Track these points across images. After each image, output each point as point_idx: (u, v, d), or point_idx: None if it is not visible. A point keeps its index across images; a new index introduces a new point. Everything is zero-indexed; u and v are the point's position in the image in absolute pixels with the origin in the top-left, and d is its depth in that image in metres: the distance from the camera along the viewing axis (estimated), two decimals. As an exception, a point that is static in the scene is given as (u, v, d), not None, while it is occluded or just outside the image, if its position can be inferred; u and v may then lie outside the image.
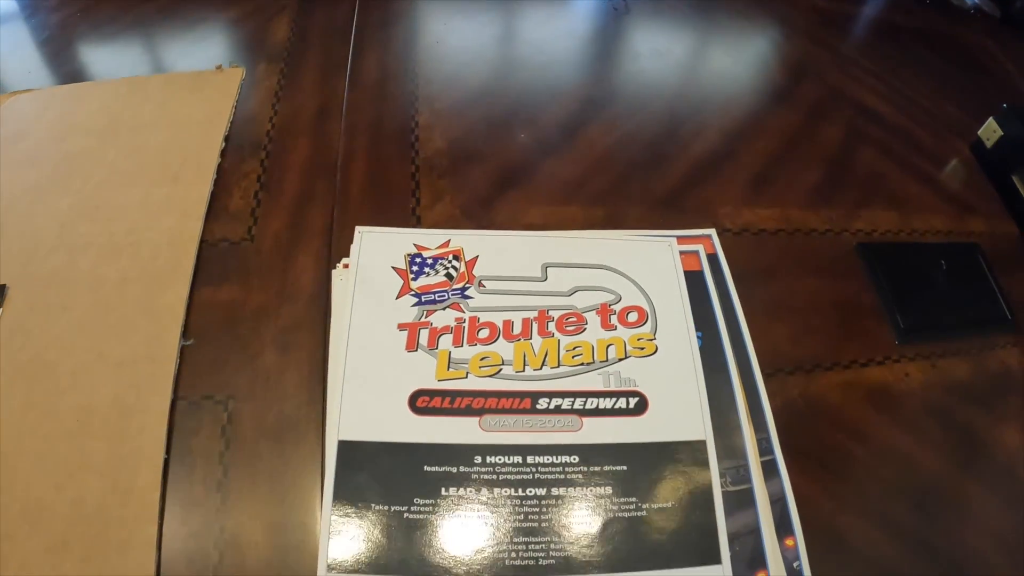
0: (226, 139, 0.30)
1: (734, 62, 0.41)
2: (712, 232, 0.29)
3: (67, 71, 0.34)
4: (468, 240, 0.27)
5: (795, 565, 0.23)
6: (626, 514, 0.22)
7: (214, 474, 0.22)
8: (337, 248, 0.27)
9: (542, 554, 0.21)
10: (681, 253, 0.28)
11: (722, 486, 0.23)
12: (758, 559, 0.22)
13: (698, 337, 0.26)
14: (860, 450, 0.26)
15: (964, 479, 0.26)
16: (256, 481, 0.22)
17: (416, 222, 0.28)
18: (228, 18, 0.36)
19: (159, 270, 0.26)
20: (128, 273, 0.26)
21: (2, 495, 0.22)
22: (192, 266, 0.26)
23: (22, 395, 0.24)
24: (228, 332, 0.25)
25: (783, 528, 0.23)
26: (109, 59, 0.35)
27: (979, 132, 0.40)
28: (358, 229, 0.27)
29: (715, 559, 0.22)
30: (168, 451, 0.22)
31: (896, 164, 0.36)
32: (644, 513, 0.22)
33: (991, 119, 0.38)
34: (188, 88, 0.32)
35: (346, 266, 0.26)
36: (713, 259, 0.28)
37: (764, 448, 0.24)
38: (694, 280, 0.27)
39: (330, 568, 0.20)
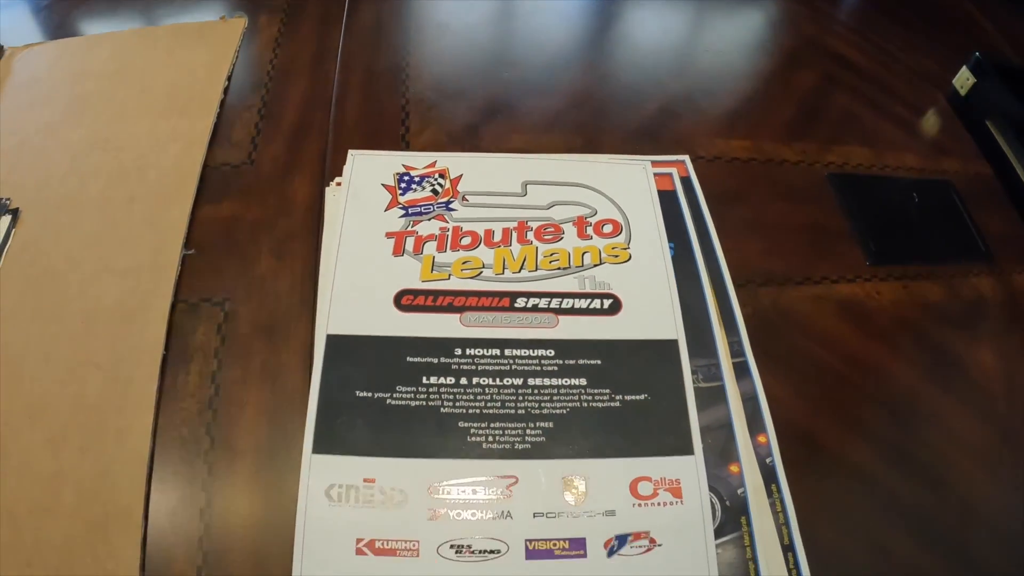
0: (229, 79, 0.33)
1: (713, 13, 0.43)
2: (686, 158, 0.31)
3: (73, 30, 0.37)
4: (453, 161, 0.29)
5: (767, 461, 0.24)
6: (600, 404, 0.24)
7: (209, 367, 0.24)
8: (331, 171, 0.29)
9: (518, 439, 0.23)
10: (655, 175, 0.30)
11: (694, 382, 0.25)
12: (730, 452, 0.24)
13: (671, 247, 0.28)
14: (832, 358, 0.27)
15: (939, 393, 0.27)
16: (248, 373, 0.24)
17: (405, 147, 0.31)
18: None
19: (164, 190, 0.28)
20: (135, 194, 0.28)
21: (7, 393, 0.24)
22: (195, 186, 0.28)
23: (31, 304, 0.26)
24: (227, 243, 0.27)
25: (755, 425, 0.25)
26: (114, 18, 0.38)
27: (953, 81, 0.42)
28: (351, 152, 0.29)
29: (688, 450, 0.23)
30: (167, 348, 0.24)
31: (870, 108, 0.38)
32: (618, 404, 0.24)
33: (964, 68, 0.41)
34: (194, 36, 0.35)
35: (339, 184, 0.28)
36: (686, 181, 0.30)
37: (736, 351, 0.26)
38: (667, 199, 0.29)
39: (315, 450, 0.22)
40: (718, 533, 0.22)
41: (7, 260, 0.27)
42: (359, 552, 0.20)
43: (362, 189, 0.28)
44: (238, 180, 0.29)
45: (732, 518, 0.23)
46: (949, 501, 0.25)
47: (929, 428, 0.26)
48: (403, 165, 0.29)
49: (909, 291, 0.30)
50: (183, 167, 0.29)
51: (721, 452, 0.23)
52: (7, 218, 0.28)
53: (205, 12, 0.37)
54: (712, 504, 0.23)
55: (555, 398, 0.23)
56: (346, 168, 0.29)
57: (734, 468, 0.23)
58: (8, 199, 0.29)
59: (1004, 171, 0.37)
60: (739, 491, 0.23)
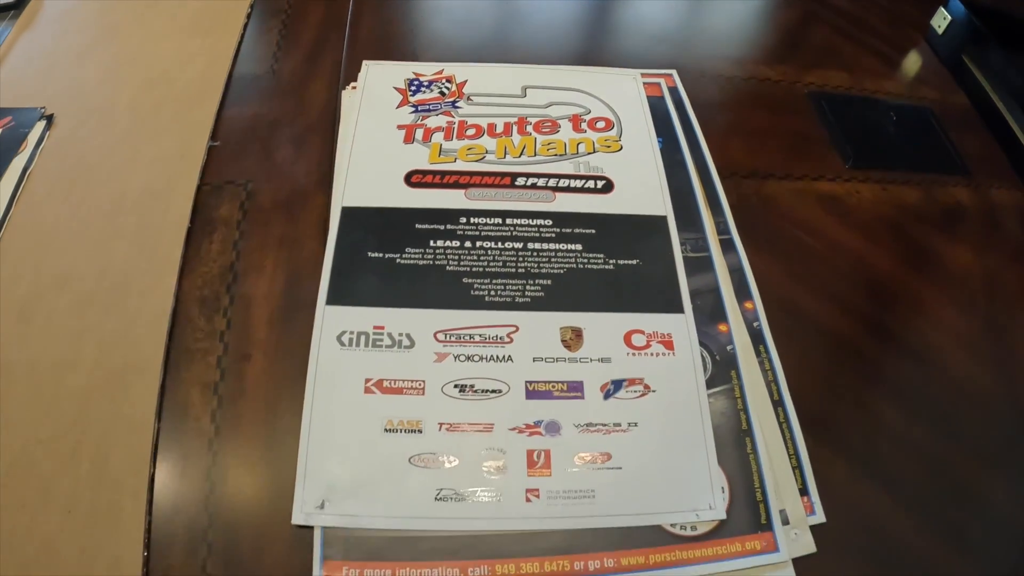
0: (252, 6, 0.36)
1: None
2: (673, 72, 0.35)
3: None
4: (459, 69, 0.33)
5: (755, 325, 0.26)
6: (595, 266, 0.26)
7: (231, 236, 0.27)
8: (346, 79, 0.32)
9: (518, 293, 0.25)
10: (644, 84, 0.33)
11: (683, 252, 0.27)
12: (718, 313, 0.26)
13: (659, 141, 0.31)
14: (813, 242, 0.30)
15: (919, 281, 0.29)
16: (267, 240, 0.27)
17: (415, 58, 0.34)
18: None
19: (192, 95, 0.32)
20: (164, 99, 0.32)
21: (35, 263, 0.26)
22: (220, 92, 0.31)
23: (63, 190, 0.29)
24: (250, 136, 0.30)
25: (742, 293, 0.27)
26: None
27: (931, 21, 0.46)
28: (365, 62, 0.33)
29: (678, 308, 0.25)
30: (193, 222, 0.26)
31: (850, 41, 0.41)
32: (611, 267, 0.26)
33: (941, 8, 0.44)
34: None
35: (354, 88, 0.32)
36: (674, 91, 0.33)
37: (722, 229, 0.29)
38: (656, 104, 0.32)
39: (328, 301, 0.24)
40: (709, 384, 0.24)
41: (42, 158, 0.30)
42: (367, 391, 0.22)
43: (375, 91, 0.31)
44: (260, 87, 0.32)
45: (722, 371, 0.24)
46: (932, 375, 0.26)
47: (910, 310, 0.28)
48: (413, 72, 0.32)
49: (888, 192, 0.33)
50: (209, 77, 0.33)
51: (710, 313, 0.26)
52: (42, 123, 0.32)
53: None
54: (703, 357, 0.25)
55: (553, 260, 0.26)
56: (361, 74, 0.32)
57: (722, 327, 0.25)
58: (43, 108, 0.33)
59: (980, 101, 0.40)
60: (728, 347, 0.25)
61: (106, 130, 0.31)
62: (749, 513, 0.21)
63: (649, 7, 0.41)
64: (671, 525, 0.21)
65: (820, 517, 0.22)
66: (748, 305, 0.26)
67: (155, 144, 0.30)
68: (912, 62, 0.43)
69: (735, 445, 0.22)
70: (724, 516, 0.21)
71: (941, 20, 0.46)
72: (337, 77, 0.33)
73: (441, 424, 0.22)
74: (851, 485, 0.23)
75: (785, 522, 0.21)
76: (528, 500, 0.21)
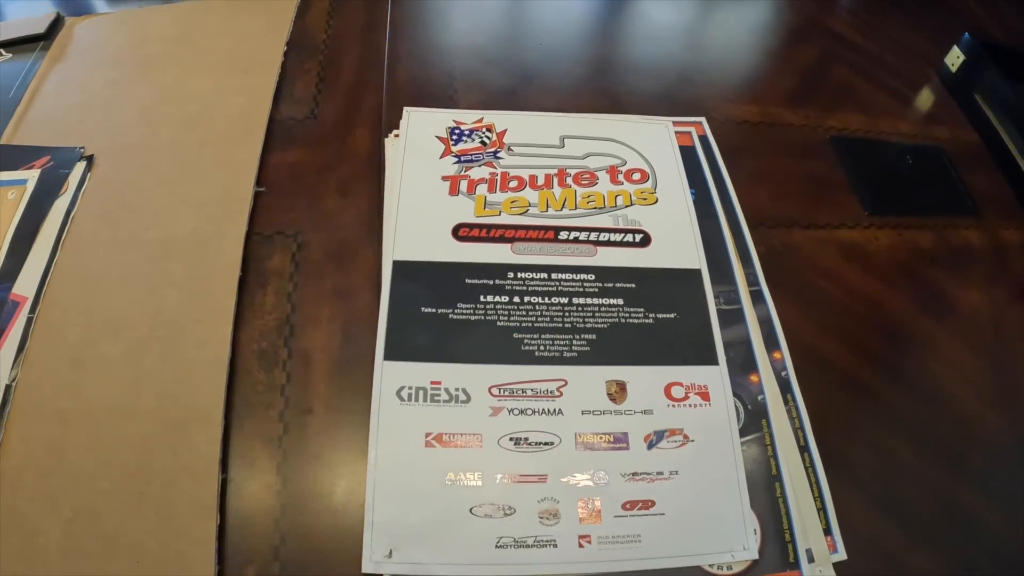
0: (288, 44, 0.37)
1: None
2: (703, 119, 0.37)
3: (128, 6, 0.41)
4: (498, 117, 0.34)
5: (783, 374, 0.29)
6: (636, 320, 0.28)
7: (285, 288, 0.28)
8: (387, 125, 0.34)
9: (566, 348, 0.27)
10: (676, 133, 0.35)
11: (716, 305, 0.29)
12: (750, 364, 0.28)
13: (692, 193, 0.33)
14: (836, 290, 0.32)
15: (931, 323, 0.32)
16: (321, 293, 0.28)
17: (454, 107, 0.36)
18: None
19: (233, 136, 0.33)
20: (205, 138, 0.33)
21: (86, 310, 0.27)
22: (263, 131, 0.32)
23: (108, 233, 0.30)
24: (295, 183, 0.31)
25: (770, 344, 0.30)
26: None
27: (945, 59, 0.48)
28: (406, 109, 0.34)
29: (713, 360, 0.28)
30: (245, 271, 0.27)
31: (867, 80, 0.44)
32: (651, 321, 0.28)
33: (955, 47, 0.47)
34: (251, 6, 0.40)
35: (396, 136, 0.33)
36: (703, 139, 0.36)
37: (751, 280, 0.31)
38: (687, 153, 0.35)
39: (386, 357, 0.26)
40: (742, 432, 0.27)
41: (84, 200, 0.31)
42: (428, 444, 0.25)
43: (418, 140, 0.33)
44: (303, 132, 0.33)
45: (754, 420, 0.27)
46: (941, 415, 0.29)
47: (924, 353, 0.32)
48: (454, 120, 0.34)
49: (904, 238, 0.36)
50: (250, 117, 0.34)
51: (742, 364, 0.28)
52: (82, 164, 0.32)
53: None
54: (736, 407, 0.27)
55: (596, 315, 0.28)
56: (403, 122, 0.34)
57: (754, 378, 0.28)
58: (82, 147, 0.33)
59: (991, 139, 0.43)
60: (759, 397, 0.28)
61: (148, 171, 0.32)
62: (779, 552, 0.24)
63: (673, 48, 0.43)
64: (709, 565, 0.23)
65: (842, 555, 0.25)
66: (776, 355, 0.29)
67: (199, 187, 0.31)
68: (925, 100, 0.46)
69: (766, 489, 0.25)
70: (757, 556, 0.24)
71: (954, 59, 0.48)
72: (378, 122, 0.34)
73: (499, 476, 0.24)
74: (869, 523, 0.26)
75: (811, 560, 0.24)
76: (581, 546, 0.23)
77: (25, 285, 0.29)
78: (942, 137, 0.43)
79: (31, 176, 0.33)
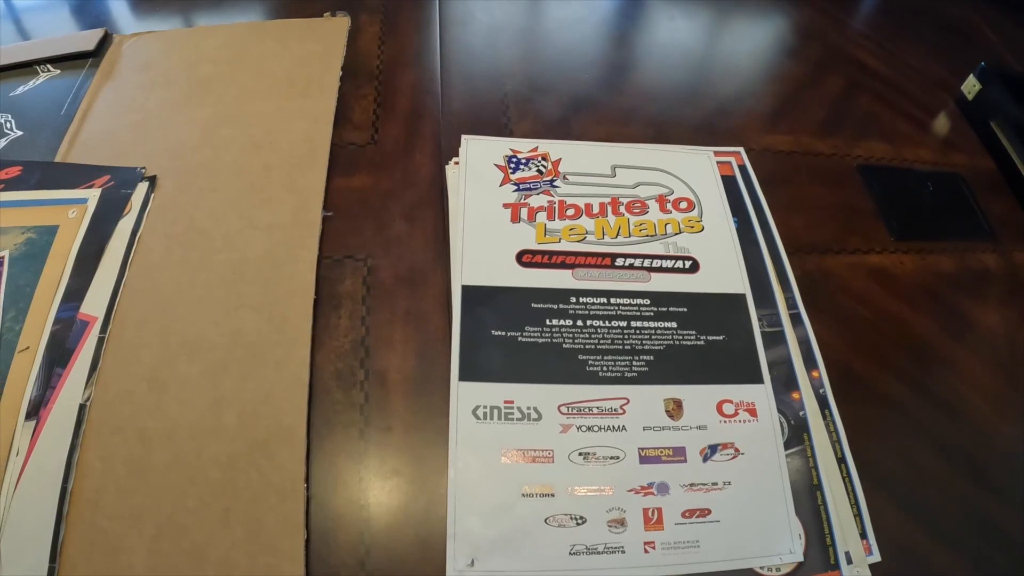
0: (343, 69, 0.40)
1: (752, 24, 0.54)
2: (741, 149, 0.40)
3: (177, 23, 0.43)
4: (552, 147, 0.37)
5: (820, 391, 0.32)
6: (688, 342, 0.32)
7: (359, 311, 0.31)
8: (446, 152, 0.37)
9: (627, 368, 0.30)
10: (718, 163, 0.39)
11: (760, 327, 0.33)
12: (792, 382, 0.32)
13: (734, 221, 0.36)
14: (866, 311, 0.36)
15: (952, 342, 0.36)
16: (394, 316, 0.31)
17: (508, 134, 0.38)
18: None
19: (298, 160, 0.35)
20: (270, 162, 0.35)
21: (163, 332, 0.28)
22: (327, 155, 0.34)
23: (179, 255, 0.31)
24: (363, 208, 0.34)
25: (809, 363, 0.33)
26: (219, 14, 0.44)
27: (962, 87, 0.52)
28: (464, 137, 0.37)
29: (759, 379, 0.31)
30: (318, 296, 0.30)
31: (889, 109, 0.48)
32: (703, 342, 0.32)
33: (971, 76, 0.51)
34: (303, 30, 0.42)
35: (456, 163, 0.36)
36: (743, 168, 0.39)
37: (790, 304, 0.35)
38: (728, 182, 0.38)
39: (461, 378, 0.29)
40: (786, 446, 0.30)
41: (149, 220, 0.33)
42: (504, 460, 0.27)
43: (478, 168, 0.36)
44: (365, 157, 0.36)
45: (796, 434, 0.31)
46: (963, 428, 0.33)
47: (946, 370, 0.35)
48: (510, 149, 0.37)
49: (927, 262, 0.39)
50: (313, 140, 0.36)
51: (785, 382, 0.32)
52: (144, 184, 0.34)
53: (301, 11, 0.43)
54: (780, 423, 0.31)
55: (653, 337, 0.31)
56: (462, 150, 0.36)
57: (795, 395, 0.31)
58: (143, 168, 0.35)
59: (1006, 166, 0.47)
60: (800, 413, 0.31)
61: (214, 194, 0.34)
62: (821, 555, 0.27)
63: (711, 78, 0.46)
64: (760, 567, 0.27)
65: (876, 556, 0.28)
66: (815, 374, 0.32)
67: (268, 211, 0.33)
68: (944, 128, 0.50)
69: (808, 497, 0.28)
70: (802, 559, 0.27)
71: (971, 87, 0.52)
72: (437, 148, 0.37)
73: (570, 488, 0.27)
74: (900, 528, 0.29)
75: (849, 562, 0.27)
76: (646, 551, 0.26)
77: (93, 305, 0.30)
78: (960, 164, 0.47)
79: (92, 195, 0.35)
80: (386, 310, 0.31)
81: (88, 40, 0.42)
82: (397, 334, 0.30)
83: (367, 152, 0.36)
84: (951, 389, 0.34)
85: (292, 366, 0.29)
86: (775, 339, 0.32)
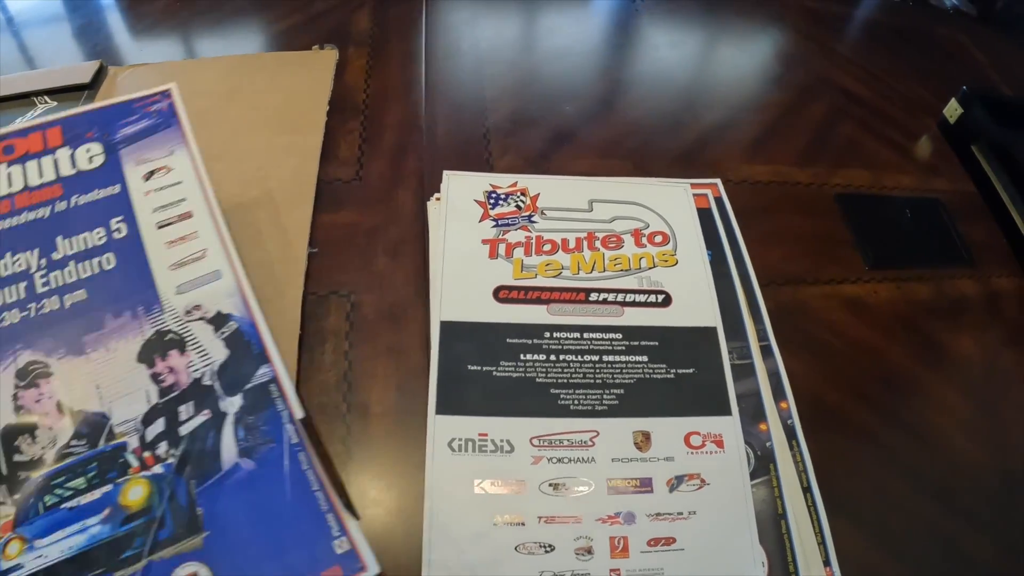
0: (330, 103, 0.42)
1: (737, 52, 0.55)
2: (718, 181, 0.42)
3: (171, 54, 0.46)
4: (532, 182, 0.40)
5: (788, 422, 0.34)
6: (659, 376, 0.34)
7: (342, 346, 0.34)
8: (429, 187, 0.39)
9: (597, 401, 0.33)
10: (694, 195, 0.41)
11: (730, 360, 0.35)
12: (759, 414, 0.34)
13: (708, 254, 0.38)
14: (839, 343, 0.38)
15: (927, 371, 0.38)
16: (376, 351, 0.34)
17: (490, 169, 0.41)
18: (315, 11, 0.49)
19: (285, 197, 0.37)
20: (259, 199, 0.38)
21: None
22: (313, 193, 0.37)
23: None
24: (347, 245, 0.36)
25: (778, 394, 0.35)
26: (209, 44, 0.47)
27: (944, 111, 0.54)
28: (446, 173, 0.39)
29: (727, 411, 0.33)
30: (303, 330, 0.32)
31: (871, 135, 0.49)
32: (672, 376, 0.34)
33: (953, 99, 0.53)
34: (293, 63, 0.45)
35: (438, 199, 0.38)
36: (719, 201, 0.41)
37: (762, 336, 0.37)
38: (704, 215, 0.40)
39: (438, 411, 0.31)
40: (752, 476, 0.32)
41: None
42: (477, 490, 0.30)
43: (458, 203, 0.38)
44: (350, 193, 0.38)
45: (762, 465, 0.33)
46: (935, 456, 0.35)
47: (919, 399, 0.37)
48: (490, 184, 0.39)
49: (902, 291, 0.41)
50: (300, 177, 0.38)
51: (752, 414, 0.34)
52: None
53: (293, 44, 0.46)
54: (747, 454, 0.33)
55: (624, 370, 0.34)
56: (443, 185, 0.39)
57: (763, 426, 0.34)
58: None
59: (987, 190, 0.49)
60: (767, 444, 0.33)
61: None
62: None
63: (694, 109, 0.48)
64: None
65: None
66: (783, 405, 0.34)
67: (258, 248, 0.36)
68: (925, 153, 0.52)
69: (772, 527, 0.30)
70: None
71: (953, 111, 0.54)
72: (420, 184, 0.39)
73: (540, 517, 0.29)
74: (866, 555, 0.31)
75: None
76: (612, 579, 0.28)
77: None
78: (941, 189, 0.49)
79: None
80: (368, 345, 0.33)
81: (84, 73, 0.45)
82: (379, 368, 0.33)
83: (352, 188, 0.39)
84: (923, 418, 0.36)
85: None
86: (745, 371, 0.34)
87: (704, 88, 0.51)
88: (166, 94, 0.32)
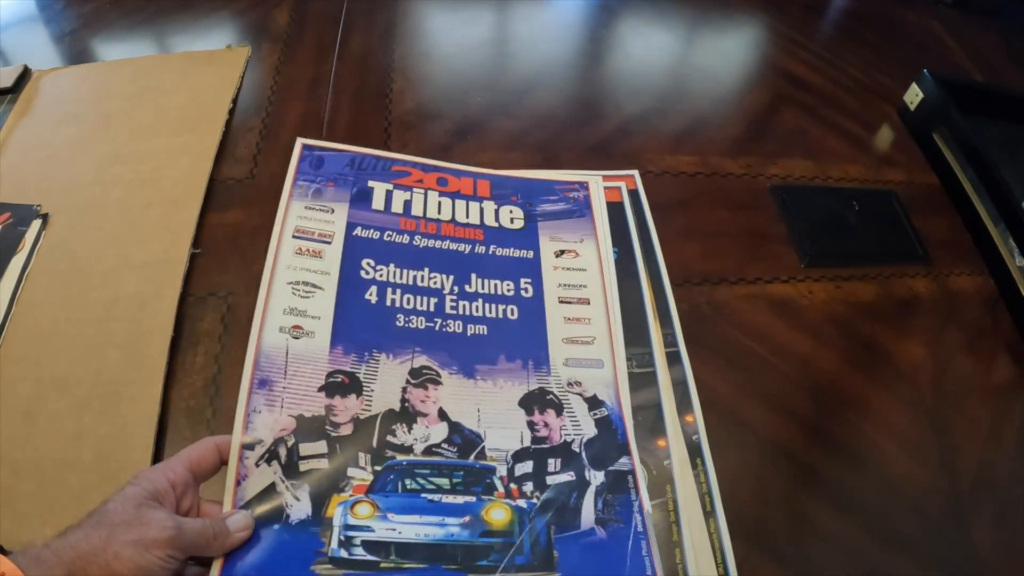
0: (234, 101, 0.39)
1: (672, 37, 0.49)
2: (635, 173, 0.37)
3: (97, 54, 0.43)
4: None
5: (694, 438, 0.29)
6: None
7: (213, 349, 0.30)
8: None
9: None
10: (605, 188, 0.35)
11: (628, 367, 0.30)
12: (658, 428, 0.29)
13: (615, 252, 0.33)
14: (761, 349, 0.32)
15: (864, 381, 0.32)
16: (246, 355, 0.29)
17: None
18: (237, 8, 0.46)
19: (177, 196, 0.34)
20: (152, 199, 0.35)
21: (39, 367, 0.29)
22: (203, 193, 0.34)
23: (60, 294, 0.31)
24: (231, 245, 0.33)
25: (684, 407, 0.30)
26: (134, 43, 0.45)
27: (904, 97, 0.47)
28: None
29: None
30: (179, 332, 0.29)
31: (819, 123, 0.43)
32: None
33: (913, 84, 0.46)
34: (204, 62, 0.42)
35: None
36: (634, 194, 0.36)
37: (669, 341, 0.31)
38: (614, 211, 0.35)
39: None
40: (651, 496, 0.26)
41: (38, 258, 0.33)
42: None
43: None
44: (241, 193, 0.35)
45: (658, 486, 0.27)
46: (867, 475, 0.29)
47: (852, 411, 0.31)
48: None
49: (842, 290, 0.35)
50: (192, 177, 0.35)
51: (651, 428, 0.28)
52: (38, 222, 0.34)
53: (213, 39, 0.44)
54: (641, 471, 0.27)
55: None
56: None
57: (661, 443, 0.28)
58: (39, 205, 0.35)
59: (949, 181, 0.42)
60: (665, 463, 0.28)
61: (98, 231, 0.34)
62: None
63: (617, 96, 0.42)
64: None
65: None
66: (689, 418, 0.29)
67: (143, 248, 0.33)
68: (882, 142, 0.45)
69: (666, 554, 0.25)
70: None
71: (913, 96, 0.47)
72: None
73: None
74: None
75: None
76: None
77: (-19, 339, 0.32)
78: (896, 180, 0.42)
79: (-9, 233, 0.37)
80: (239, 348, 0.29)
81: (7, 77, 0.42)
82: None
83: (243, 187, 0.35)
84: (858, 434, 0.30)
85: (144, 404, 0.28)
86: (645, 382, 0.29)
87: (628, 75, 0.45)
88: (583, 185, 0.34)
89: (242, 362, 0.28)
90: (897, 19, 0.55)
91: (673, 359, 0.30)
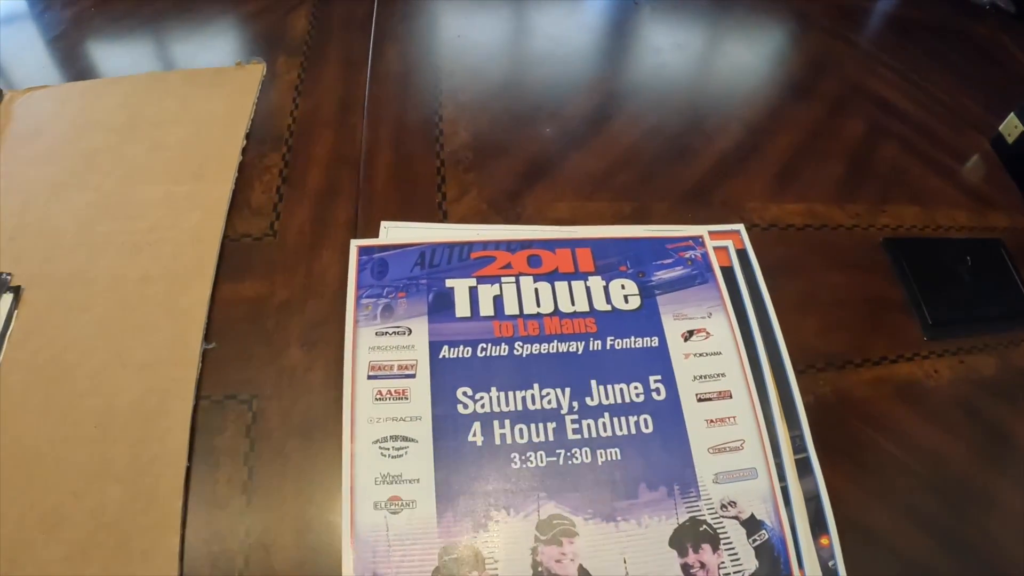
0: (247, 135, 0.29)
1: (754, 56, 0.40)
2: (741, 227, 0.28)
3: (82, 67, 0.33)
4: (496, 236, 0.26)
5: (830, 564, 0.22)
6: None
7: (239, 475, 0.21)
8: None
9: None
10: (715, 249, 0.27)
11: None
12: (794, 558, 0.21)
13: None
14: (890, 445, 0.25)
15: (991, 473, 0.25)
16: (284, 481, 0.21)
17: (443, 216, 0.27)
18: (246, 12, 0.35)
19: (181, 269, 0.25)
20: (149, 272, 0.25)
21: (19, 501, 0.21)
22: (214, 265, 0.25)
23: (40, 399, 0.23)
24: (252, 328, 0.24)
25: (818, 527, 0.23)
26: (125, 55, 0.34)
27: (1000, 128, 0.39)
28: (383, 224, 0.26)
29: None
30: (191, 454, 0.21)
31: (918, 159, 0.35)
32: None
33: (1012, 114, 0.38)
34: (209, 84, 0.31)
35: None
36: (742, 254, 0.27)
37: (797, 445, 0.24)
38: (726, 276, 0.26)
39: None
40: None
41: (9, 347, 0.23)
42: None
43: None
44: (260, 255, 0.25)
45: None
46: None
47: (986, 513, 0.24)
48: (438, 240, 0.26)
49: (965, 365, 0.28)
50: (201, 241, 0.25)
51: (779, 562, 0.21)
52: (8, 296, 0.24)
53: (219, 50, 0.33)
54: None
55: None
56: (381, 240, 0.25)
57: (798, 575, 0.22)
58: (9, 275, 0.25)
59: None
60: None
61: (84, 314, 0.24)
62: None
63: (704, 126, 0.33)
64: None
65: None
66: (824, 541, 0.22)
67: (141, 341, 0.23)
68: (980, 181, 0.36)
69: None
70: None
71: (1012, 129, 0.39)
72: (351, 238, 0.25)
73: None
74: None
75: None
76: None
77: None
78: (999, 225, 0.34)
79: (-51, 310, 0.26)
80: (273, 474, 0.21)
81: (-25, 99, 0.33)
82: (286, 508, 0.20)
83: (264, 247, 0.25)
84: (988, 537, 0.23)
85: (160, 558, 0.20)
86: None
87: (717, 102, 0.36)
88: (699, 241, 0.25)
89: (279, 491, 0.20)
90: (966, 31, 0.45)
91: (803, 468, 0.23)
